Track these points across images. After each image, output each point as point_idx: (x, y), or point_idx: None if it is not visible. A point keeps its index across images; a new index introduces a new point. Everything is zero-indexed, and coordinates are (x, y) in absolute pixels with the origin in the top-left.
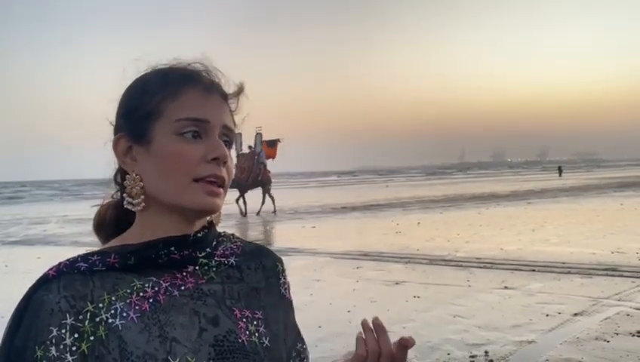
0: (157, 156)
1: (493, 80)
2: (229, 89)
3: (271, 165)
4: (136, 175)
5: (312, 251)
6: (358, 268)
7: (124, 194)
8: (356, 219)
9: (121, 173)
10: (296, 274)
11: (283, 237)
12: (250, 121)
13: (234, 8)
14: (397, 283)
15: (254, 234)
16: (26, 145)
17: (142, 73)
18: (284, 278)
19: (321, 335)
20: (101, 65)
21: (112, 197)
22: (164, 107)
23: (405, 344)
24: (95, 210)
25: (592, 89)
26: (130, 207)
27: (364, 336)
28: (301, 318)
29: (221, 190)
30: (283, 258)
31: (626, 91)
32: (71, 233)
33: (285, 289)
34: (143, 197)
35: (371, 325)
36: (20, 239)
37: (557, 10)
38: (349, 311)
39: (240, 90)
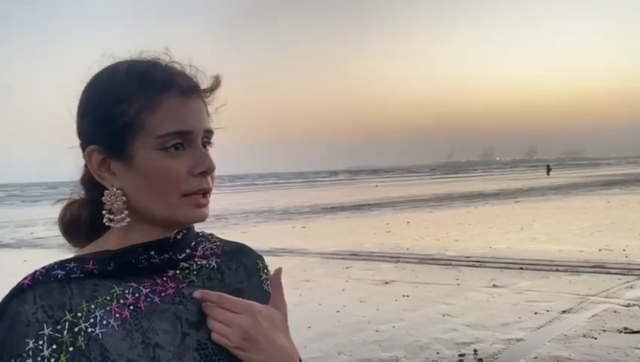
0: (141, 173)
1: (482, 80)
2: (204, 83)
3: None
4: (117, 190)
5: (302, 251)
6: (347, 267)
7: (104, 211)
8: (346, 218)
9: (91, 177)
10: (286, 275)
11: (273, 237)
12: (225, 112)
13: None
14: (386, 283)
15: (241, 235)
16: (10, 145)
17: (109, 68)
18: (266, 274)
19: (311, 335)
20: (76, 61)
21: (79, 196)
22: (143, 119)
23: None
24: (58, 209)
25: (580, 89)
26: (111, 224)
27: None
28: (290, 319)
29: (208, 199)
30: (273, 258)
31: (612, 91)
32: (58, 235)
33: (268, 285)
34: (126, 212)
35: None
36: (7, 242)
37: (545, 11)
38: (338, 311)
39: (216, 84)
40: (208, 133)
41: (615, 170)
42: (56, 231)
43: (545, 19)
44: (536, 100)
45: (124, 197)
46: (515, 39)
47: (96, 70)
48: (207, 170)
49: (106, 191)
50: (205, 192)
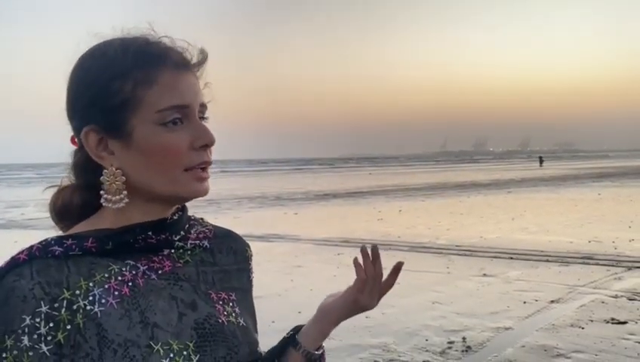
0: (141, 150)
1: (476, 70)
2: (194, 57)
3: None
4: (116, 169)
5: (294, 237)
6: (339, 254)
7: (102, 192)
8: (339, 206)
9: (85, 161)
10: (278, 261)
11: (265, 223)
12: (220, 96)
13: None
14: None
15: (234, 221)
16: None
17: (100, 46)
18: (251, 263)
19: (301, 320)
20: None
21: (70, 180)
22: (141, 95)
23: (398, 267)
24: (48, 193)
25: (574, 82)
26: (109, 205)
27: (360, 262)
28: (281, 304)
29: (209, 173)
30: (265, 244)
31: (605, 84)
32: (49, 217)
33: (252, 275)
34: (125, 193)
35: (369, 251)
36: None
37: (540, 3)
38: None
39: (204, 58)
40: (203, 107)
41: (607, 162)
42: (47, 213)
43: (542, 10)
44: (531, 92)
45: (123, 177)
46: (511, 30)
47: (83, 49)
48: (209, 143)
49: (105, 171)
50: (206, 165)
